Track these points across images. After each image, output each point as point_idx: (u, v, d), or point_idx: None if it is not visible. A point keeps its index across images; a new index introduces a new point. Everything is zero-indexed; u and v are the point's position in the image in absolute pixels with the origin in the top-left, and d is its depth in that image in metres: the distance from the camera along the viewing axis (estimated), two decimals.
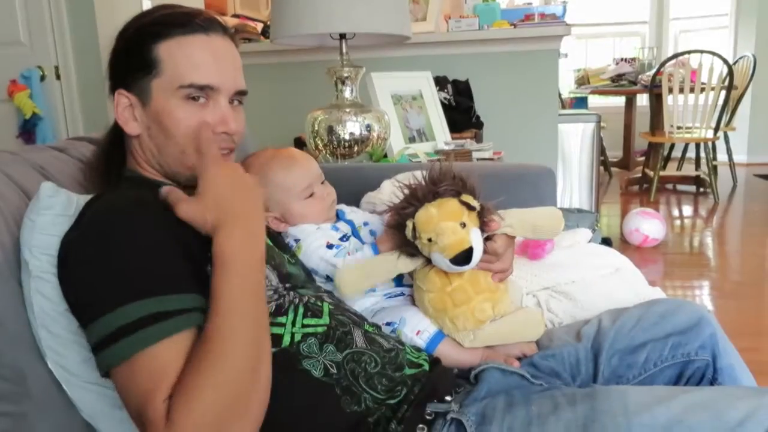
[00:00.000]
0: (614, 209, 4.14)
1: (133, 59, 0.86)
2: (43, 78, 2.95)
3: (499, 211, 0.97)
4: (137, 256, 0.72)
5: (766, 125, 5.92)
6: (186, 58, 0.84)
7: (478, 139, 2.48)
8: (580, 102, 5.28)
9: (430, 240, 0.91)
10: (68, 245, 0.77)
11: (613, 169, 5.46)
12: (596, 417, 0.72)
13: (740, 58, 4.84)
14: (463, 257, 0.89)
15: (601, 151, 5.40)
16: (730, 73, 4.08)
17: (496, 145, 2.16)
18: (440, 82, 2.65)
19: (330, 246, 1.04)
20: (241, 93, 0.91)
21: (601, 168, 5.50)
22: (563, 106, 5.01)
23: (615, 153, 5.62)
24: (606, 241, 3.09)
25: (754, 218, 3.89)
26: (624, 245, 3.14)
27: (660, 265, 2.88)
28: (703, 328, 0.95)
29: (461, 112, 2.65)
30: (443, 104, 2.39)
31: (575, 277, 1.15)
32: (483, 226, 0.95)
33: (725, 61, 4.04)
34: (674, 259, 2.98)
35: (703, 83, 4.09)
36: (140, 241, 0.74)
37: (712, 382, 0.94)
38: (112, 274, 0.71)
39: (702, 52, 4.04)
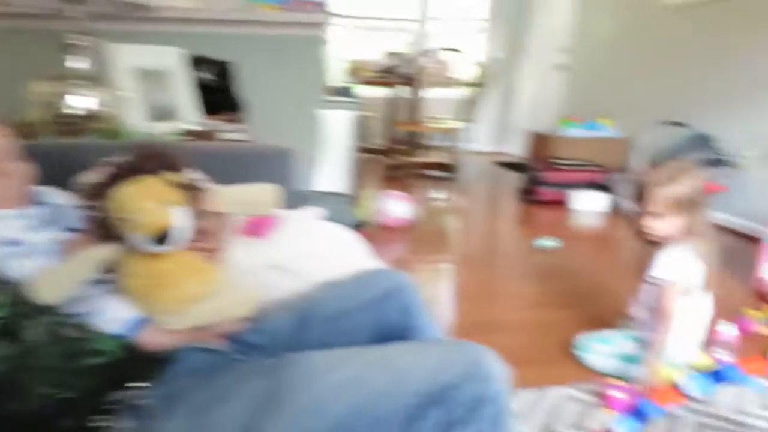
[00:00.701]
0: (374, 193, 4.43)
1: None
2: None
3: (209, 189, 0.98)
4: None
5: (503, 119, 6.83)
6: None
7: (236, 121, 2.46)
8: (350, 91, 5.53)
9: (129, 221, 0.88)
10: None
11: (377, 156, 5.83)
12: (281, 383, 0.77)
13: (490, 59, 5.49)
14: (163, 236, 0.87)
15: (366, 138, 5.74)
16: (480, 72, 4.62)
17: (258, 129, 2.16)
18: (199, 62, 2.57)
19: (12, 242, 0.93)
20: None
21: (366, 154, 5.85)
22: (332, 95, 5.20)
23: (380, 141, 6.01)
24: (362, 223, 3.32)
25: (491, 199, 4.48)
26: (377, 226, 3.39)
27: (409, 243, 3.17)
28: (402, 294, 1.06)
29: (220, 94, 2.62)
30: (204, 85, 2.33)
31: (300, 252, 1.21)
32: (191, 204, 0.94)
33: (475, 61, 4.57)
34: (423, 237, 3.29)
35: (452, 79, 4.58)
36: None
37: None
38: None
39: (450, 50, 4.51)
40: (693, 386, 1.01)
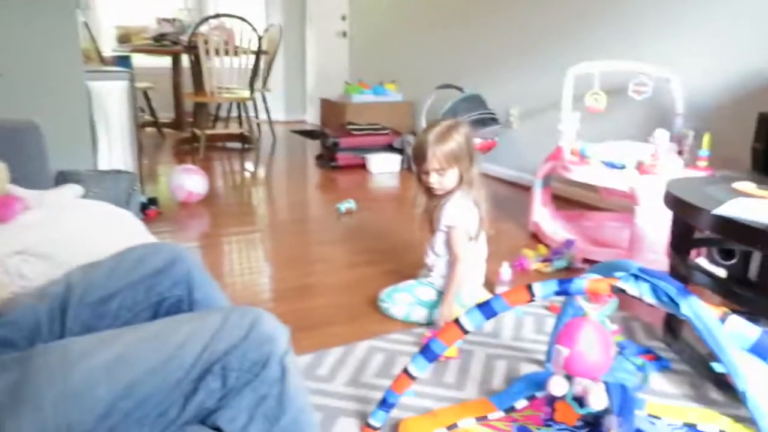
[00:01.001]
0: (167, 169, 4.14)
1: None
2: None
3: None
4: None
5: (296, 87, 6.79)
6: None
7: None
8: (123, 61, 5.03)
9: None
10: None
11: (166, 130, 5.44)
12: (29, 377, 0.67)
13: (270, 26, 5.35)
14: None
15: (153, 111, 5.32)
16: (259, 39, 4.48)
17: (15, 103, 1.84)
18: None
19: None
20: None
21: (155, 129, 5.43)
22: (105, 64, 4.69)
23: (168, 114, 5.60)
24: (152, 201, 3.07)
25: (292, 167, 4.44)
26: (172, 202, 3.17)
27: (207, 218, 3.01)
28: (178, 266, 0.98)
29: None
30: None
31: (56, 235, 1.06)
32: None
33: (254, 28, 4.41)
34: (225, 210, 3.15)
35: (237, 47, 4.39)
36: None
37: None
38: None
39: (232, 17, 4.30)
40: (467, 321, 1.08)
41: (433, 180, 1.73)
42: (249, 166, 4.40)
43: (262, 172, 4.23)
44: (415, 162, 1.77)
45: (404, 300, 1.84)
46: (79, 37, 2.90)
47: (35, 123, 1.38)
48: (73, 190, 1.21)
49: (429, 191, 1.80)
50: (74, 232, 1.07)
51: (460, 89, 3.89)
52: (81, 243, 1.06)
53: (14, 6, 2.48)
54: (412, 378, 1.18)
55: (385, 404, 1.22)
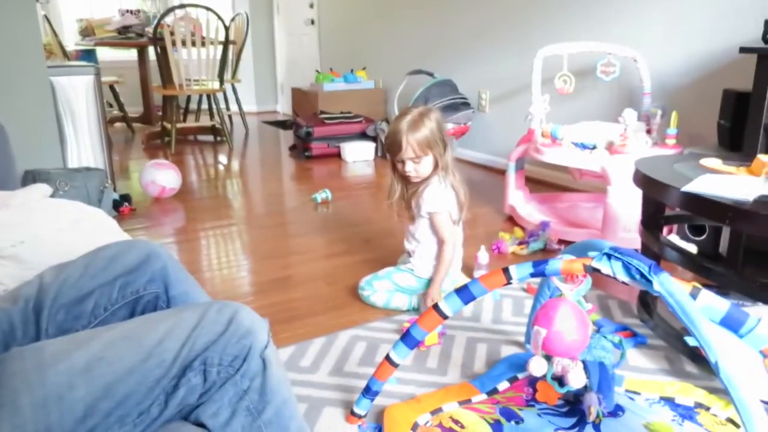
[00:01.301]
0: (138, 165, 4.07)
1: None
2: None
3: None
4: None
5: (267, 78, 6.71)
6: None
7: None
8: (87, 55, 4.92)
9: None
10: None
11: (136, 125, 5.35)
12: (3, 383, 0.66)
13: (236, 15, 5.27)
14: None
15: (120, 106, 5.22)
16: (226, 28, 4.41)
17: None
18: None
19: None
20: None
21: (124, 124, 5.33)
22: (68, 58, 4.58)
23: (137, 108, 5.50)
24: (124, 198, 3.02)
25: (265, 159, 4.39)
26: (145, 198, 3.12)
27: (182, 213, 2.97)
28: (152, 263, 0.97)
29: None
30: None
31: (24, 237, 1.03)
32: None
33: (220, 18, 4.33)
34: (200, 205, 3.11)
35: (204, 37, 4.31)
36: None
37: None
38: None
39: (197, 6, 4.23)
40: (446, 306, 1.09)
41: (409, 168, 1.73)
42: (222, 158, 4.35)
43: (235, 165, 4.18)
44: (390, 152, 1.77)
45: (384, 287, 1.84)
46: (41, 32, 2.83)
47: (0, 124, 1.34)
48: (41, 189, 1.19)
49: (405, 179, 1.80)
50: (44, 233, 1.05)
51: (431, 74, 3.89)
52: (52, 244, 1.04)
53: None
54: (395, 365, 1.19)
55: (368, 392, 1.22)
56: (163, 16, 4.19)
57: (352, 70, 5.01)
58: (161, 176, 3.05)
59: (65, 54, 4.61)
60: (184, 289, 1.01)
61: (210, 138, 4.92)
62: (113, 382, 0.70)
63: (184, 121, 4.92)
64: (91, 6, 5.91)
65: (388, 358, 1.19)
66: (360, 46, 5.31)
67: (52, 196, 1.22)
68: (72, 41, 5.25)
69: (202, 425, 0.78)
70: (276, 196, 3.35)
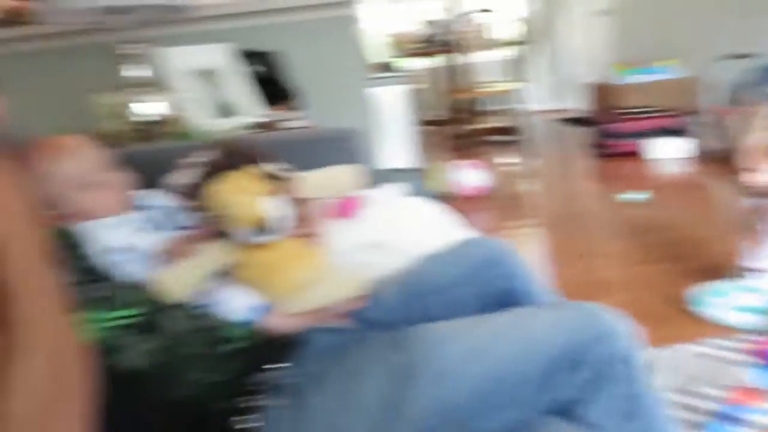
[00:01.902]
0: (442, 165, 4.34)
1: None
2: None
3: (293, 177, 0.95)
4: None
5: (558, 74, 6.56)
6: None
7: (292, 110, 2.42)
8: (396, 66, 5.42)
9: (227, 216, 0.89)
10: None
11: (437, 128, 5.72)
12: (412, 357, 0.76)
13: (530, 13, 5.26)
14: (263, 227, 0.88)
15: (424, 110, 5.64)
16: (521, 28, 4.43)
17: (312, 115, 2.13)
18: (250, 55, 2.54)
19: (123, 248, 0.96)
20: None
21: (423, 127, 5.75)
22: (377, 71, 5.12)
23: (437, 112, 5.89)
24: (434, 197, 3.23)
25: (562, 158, 4.30)
26: (453, 198, 3.30)
27: (486, 213, 3.07)
28: (506, 260, 1.01)
29: (273, 85, 2.58)
30: (255, 77, 2.29)
31: (390, 230, 1.15)
32: (281, 193, 0.93)
33: (515, 18, 4.38)
34: (502, 203, 3.18)
35: (493, 39, 4.41)
36: None
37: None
38: None
39: (486, 11, 4.33)
40: None
41: (755, 177, 1.50)
42: (518, 158, 4.38)
43: (532, 164, 4.17)
44: (734, 157, 1.54)
45: (722, 303, 1.62)
46: (363, 51, 3.19)
47: (357, 129, 1.53)
48: (399, 188, 1.32)
49: (750, 189, 1.56)
50: (407, 227, 1.16)
51: (751, 56, 3.32)
52: (415, 236, 1.15)
53: (309, 30, 2.83)
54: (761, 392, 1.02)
55: (729, 419, 1.08)
56: (454, 23, 4.41)
57: (652, 60, 4.58)
58: (469, 176, 3.19)
59: (378, 67, 5.16)
60: (533, 287, 1.02)
61: (506, 138, 5.00)
62: (497, 368, 0.74)
63: (480, 122, 5.09)
64: (398, 22, 6.53)
65: (749, 382, 1.03)
66: (661, 33, 4.82)
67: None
68: (383, 55, 5.84)
69: (570, 421, 0.77)
70: (576, 196, 3.24)
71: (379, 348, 0.80)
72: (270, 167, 0.94)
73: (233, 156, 0.93)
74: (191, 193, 0.93)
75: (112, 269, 0.94)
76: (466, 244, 1.04)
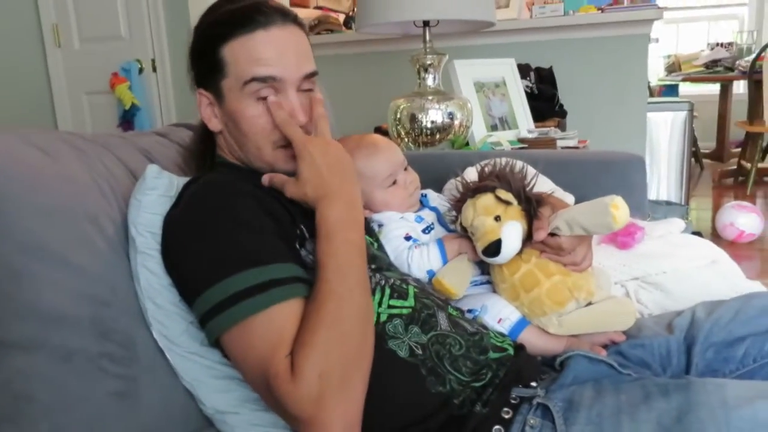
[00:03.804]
0: (706, 203, 3.93)
1: (203, 61, 0.90)
2: (141, 70, 3.13)
3: (559, 210, 0.94)
4: (240, 230, 0.77)
5: None
6: (247, 55, 0.85)
7: (561, 127, 2.41)
8: (670, 90, 5.02)
9: (472, 234, 0.97)
10: (171, 223, 0.83)
11: (706, 161, 5.17)
12: (691, 408, 0.70)
13: None
14: (493, 249, 0.92)
15: (693, 141, 5.13)
16: None
17: (580, 134, 2.10)
18: (523, 70, 2.59)
19: (408, 238, 1.05)
20: (311, 75, 0.90)
21: (693, 159, 5.23)
22: (652, 94, 4.78)
23: (708, 144, 5.31)
24: (697, 235, 2.94)
25: None
26: (717, 240, 2.98)
27: (757, 262, 2.72)
28: None
29: (544, 101, 2.59)
30: (526, 92, 2.34)
31: (667, 267, 1.11)
32: (528, 219, 0.95)
33: None
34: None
35: None
36: (242, 217, 0.79)
37: None
38: (217, 247, 0.76)
39: None
40: None
41: None
42: None
43: None
44: None
45: None
46: (646, 72, 3.02)
47: (641, 156, 1.48)
48: (677, 224, 1.25)
49: None
50: (684, 267, 1.10)
51: None
52: (692, 278, 1.09)
53: (591, 48, 2.76)
54: None
55: None
56: (765, 47, 3.89)
57: None
58: (742, 219, 2.85)
59: (650, 90, 4.83)
60: None
61: None
62: None
63: (763, 160, 4.47)
64: (678, 42, 6.02)
65: None
66: None
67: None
68: (655, 76, 5.45)
69: None
70: None
71: (653, 392, 0.74)
72: (520, 193, 0.96)
73: (488, 178, 0.98)
74: (455, 205, 1.02)
75: (389, 260, 1.03)
76: (758, 298, 0.93)
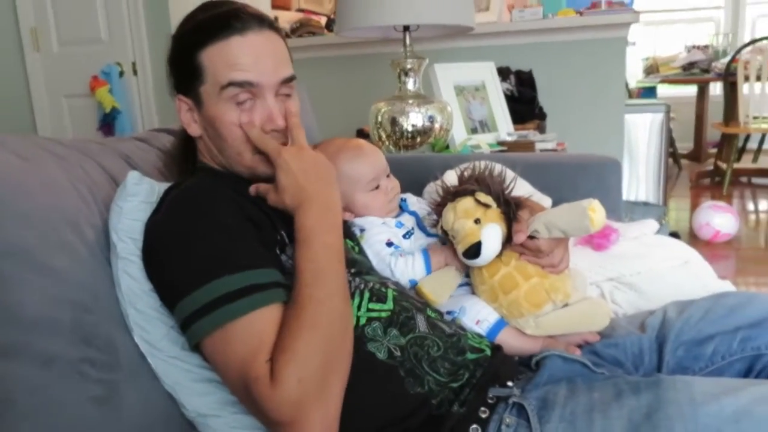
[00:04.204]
0: (683, 203, 4.00)
1: (181, 68, 0.91)
2: (121, 74, 3.11)
3: (538, 213, 0.96)
4: (221, 236, 0.78)
5: None
6: (224, 61, 0.86)
7: (541, 130, 2.44)
8: (649, 92, 5.10)
9: (453, 237, 0.98)
10: (152, 228, 0.84)
11: (683, 162, 5.25)
12: (660, 405, 0.72)
13: None
14: (473, 251, 0.94)
15: (670, 142, 5.22)
16: None
17: (559, 136, 2.13)
18: (503, 73, 2.62)
19: (389, 244, 1.07)
20: (288, 80, 0.91)
21: (670, 160, 5.31)
22: (630, 96, 4.85)
23: (685, 144, 5.41)
24: (674, 235, 2.98)
25: None
26: (693, 240, 3.03)
27: (732, 261, 2.77)
28: None
29: (524, 103, 2.62)
30: (505, 95, 2.37)
31: (641, 268, 1.13)
32: (507, 222, 0.97)
33: None
34: (747, 255, 2.85)
35: None
36: (222, 222, 0.80)
37: None
38: (199, 252, 0.77)
39: None
40: None
41: None
42: None
43: None
44: None
45: None
46: (624, 75, 3.06)
47: (616, 159, 1.51)
48: (650, 225, 1.28)
49: None
50: (658, 268, 1.13)
51: None
52: (665, 279, 1.11)
53: (570, 51, 2.80)
54: None
55: None
56: (740, 50, 3.97)
57: None
58: (718, 219, 2.91)
59: (628, 91, 4.90)
60: None
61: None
62: None
63: (739, 160, 4.56)
64: (656, 44, 6.11)
65: None
66: None
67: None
68: (634, 79, 5.53)
69: None
70: None
71: (624, 390, 0.77)
72: (498, 196, 0.98)
73: (468, 182, 1.00)
74: (436, 209, 1.03)
75: (369, 264, 1.04)
76: (726, 298, 0.96)
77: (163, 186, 0.92)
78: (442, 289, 1.02)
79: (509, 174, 1.04)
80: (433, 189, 1.28)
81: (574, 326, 0.98)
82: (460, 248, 0.96)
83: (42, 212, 0.79)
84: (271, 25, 0.91)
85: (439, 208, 1.03)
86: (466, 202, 0.98)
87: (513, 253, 0.97)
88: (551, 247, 0.96)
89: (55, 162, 0.87)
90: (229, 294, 0.73)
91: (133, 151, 1.08)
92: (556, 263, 0.97)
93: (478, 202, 0.97)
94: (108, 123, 3.06)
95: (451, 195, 1.00)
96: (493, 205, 0.97)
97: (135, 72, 3.14)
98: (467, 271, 1.05)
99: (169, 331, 0.85)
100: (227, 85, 0.86)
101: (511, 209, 0.97)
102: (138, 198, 0.89)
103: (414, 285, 1.04)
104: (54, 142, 0.94)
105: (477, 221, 0.96)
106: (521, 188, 1.13)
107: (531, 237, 0.95)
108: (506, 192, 1.00)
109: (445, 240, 1.04)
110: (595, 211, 0.89)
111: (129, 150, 1.07)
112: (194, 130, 0.94)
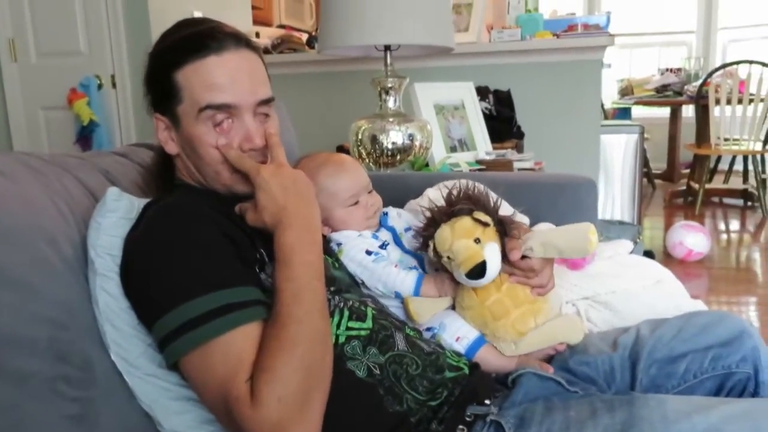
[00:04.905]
0: (657, 222, 4.08)
1: (157, 87, 0.90)
2: (100, 86, 3.08)
3: (531, 230, 0.99)
4: (200, 254, 0.78)
5: None
6: (200, 82, 0.85)
7: (518, 149, 2.48)
8: (624, 113, 5.21)
9: (449, 258, 0.96)
10: (130, 245, 0.84)
11: (657, 182, 5.36)
12: (634, 423, 0.74)
13: None
14: (478, 271, 0.93)
15: (645, 162, 5.32)
16: None
17: (536, 156, 2.17)
18: (481, 92, 2.66)
19: (369, 252, 1.07)
20: (266, 102, 0.90)
21: (645, 180, 5.42)
22: (606, 117, 4.95)
23: (659, 165, 5.52)
24: (648, 254, 3.04)
25: None
26: (667, 258, 3.09)
27: (704, 280, 2.83)
28: (745, 341, 0.94)
29: (502, 122, 2.66)
30: (484, 114, 2.40)
31: (615, 287, 1.16)
32: (507, 241, 0.98)
33: None
34: (719, 274, 2.92)
35: (752, 94, 4.00)
36: (201, 240, 0.79)
37: (754, 395, 0.93)
38: (177, 271, 0.77)
39: (751, 62, 3.95)
40: None
41: None
42: (750, 227, 3.94)
43: (765, 236, 3.72)
44: None
45: None
46: (600, 96, 3.13)
47: (592, 179, 1.53)
48: (625, 245, 1.31)
49: None
50: (632, 287, 1.15)
51: None
52: (639, 298, 1.14)
53: (547, 72, 2.85)
54: None
55: None
56: (711, 73, 4.08)
57: None
58: (690, 239, 2.97)
59: (604, 112, 5.00)
60: None
61: (739, 202, 4.52)
62: None
63: (711, 181, 4.67)
64: (631, 66, 6.26)
65: None
66: None
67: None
68: (609, 99, 5.65)
69: None
70: None
71: (599, 407, 0.78)
72: (495, 215, 0.98)
73: (460, 201, 0.99)
74: (425, 232, 1.02)
75: (348, 281, 1.04)
76: (699, 318, 0.98)
77: (143, 202, 0.92)
78: (426, 310, 1.02)
79: (491, 194, 1.05)
80: (414, 206, 1.30)
81: (550, 342, 0.99)
82: (463, 269, 0.94)
83: (19, 228, 0.78)
84: (248, 43, 0.91)
85: (429, 229, 1.01)
86: (465, 222, 0.97)
87: (504, 275, 0.98)
88: (542, 266, 0.98)
89: (34, 176, 0.87)
90: (208, 313, 0.73)
91: (112, 166, 1.07)
92: (545, 283, 0.99)
93: (476, 221, 0.97)
94: (86, 136, 3.02)
95: (446, 215, 0.99)
96: (491, 223, 0.98)
97: (114, 85, 3.12)
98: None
99: (146, 349, 0.84)
100: (205, 108, 0.85)
101: (505, 227, 0.98)
102: (117, 214, 0.88)
103: (398, 295, 1.04)
104: (33, 156, 0.93)
105: (477, 240, 0.95)
106: (503, 208, 1.15)
107: (523, 256, 0.96)
108: (498, 211, 1.01)
109: (434, 262, 1.03)
110: (593, 234, 0.92)
111: (108, 165, 1.07)
112: (171, 148, 0.93)
